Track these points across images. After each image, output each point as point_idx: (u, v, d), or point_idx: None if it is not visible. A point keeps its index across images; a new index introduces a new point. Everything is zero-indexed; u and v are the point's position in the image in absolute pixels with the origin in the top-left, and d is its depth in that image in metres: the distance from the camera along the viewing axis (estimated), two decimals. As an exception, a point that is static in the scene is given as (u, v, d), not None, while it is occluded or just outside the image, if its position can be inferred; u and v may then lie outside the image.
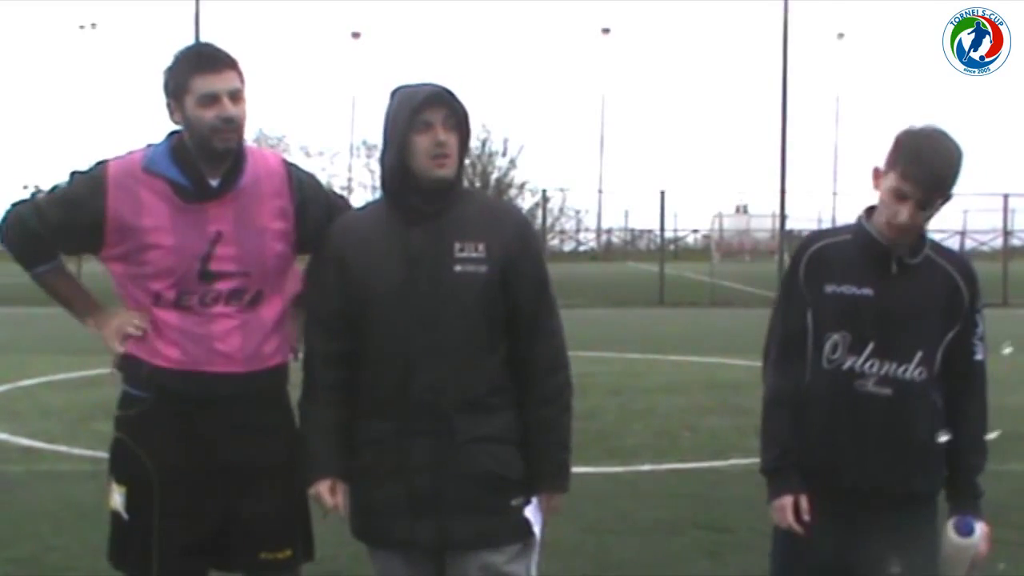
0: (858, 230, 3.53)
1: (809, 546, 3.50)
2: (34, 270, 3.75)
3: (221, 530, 3.63)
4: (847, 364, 3.45)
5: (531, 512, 3.53)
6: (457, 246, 3.45)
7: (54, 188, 3.66)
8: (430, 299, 3.44)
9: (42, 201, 3.66)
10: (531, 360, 3.53)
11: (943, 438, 3.50)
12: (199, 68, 3.53)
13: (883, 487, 3.47)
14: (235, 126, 3.54)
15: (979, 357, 3.53)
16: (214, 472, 3.59)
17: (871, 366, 3.44)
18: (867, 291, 3.46)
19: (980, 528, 3.46)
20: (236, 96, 3.54)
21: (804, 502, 3.49)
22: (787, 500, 3.51)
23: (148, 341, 3.60)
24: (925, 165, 3.36)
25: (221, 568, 3.72)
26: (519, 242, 3.51)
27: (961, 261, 3.58)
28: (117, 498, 3.65)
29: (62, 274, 3.79)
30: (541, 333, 3.53)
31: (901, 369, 3.44)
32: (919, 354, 3.44)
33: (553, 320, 3.58)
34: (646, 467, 8.69)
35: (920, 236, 3.49)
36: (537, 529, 3.53)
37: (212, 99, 3.51)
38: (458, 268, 3.44)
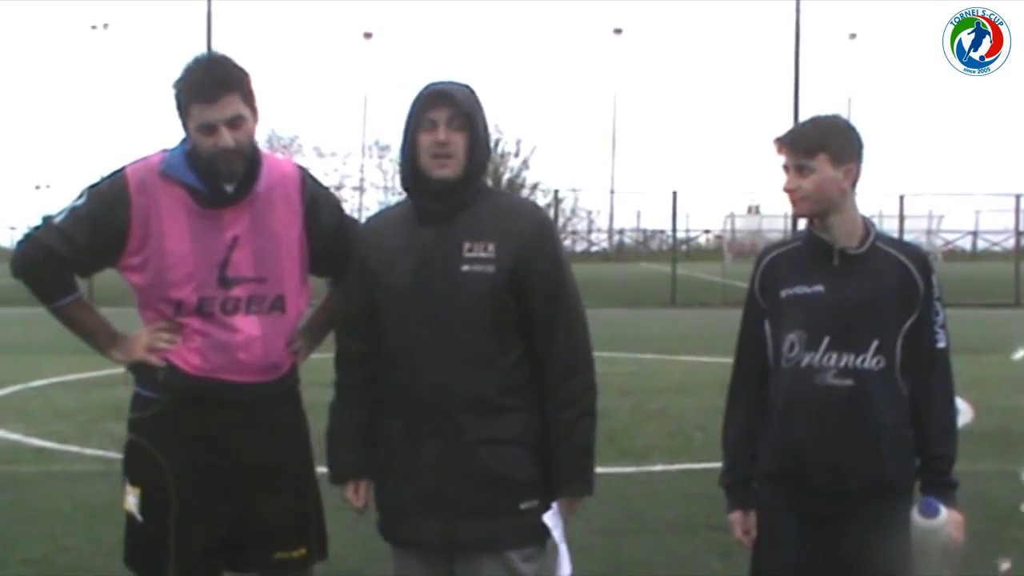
0: (805, 234, 3.61)
1: (783, 553, 3.54)
2: (58, 303, 3.63)
3: (235, 530, 3.63)
4: (805, 361, 3.48)
5: (549, 517, 3.47)
6: (467, 246, 3.43)
7: (70, 210, 3.57)
8: (437, 298, 3.43)
9: (65, 225, 3.54)
10: (549, 362, 3.49)
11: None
12: (196, 98, 3.46)
13: (855, 479, 3.45)
14: (234, 154, 3.50)
15: (941, 345, 3.53)
16: (229, 472, 3.59)
17: (829, 359, 3.46)
18: (819, 288, 3.50)
19: (947, 512, 3.38)
20: (236, 123, 3.48)
21: (752, 518, 3.60)
22: (736, 516, 3.63)
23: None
24: (787, 130, 3.54)
25: (235, 569, 3.72)
26: (533, 243, 3.46)
27: (913, 249, 3.61)
28: (132, 500, 3.65)
29: (85, 304, 3.70)
30: (559, 334, 3.48)
31: (859, 359, 3.45)
32: (875, 343, 3.45)
33: (572, 320, 3.51)
34: (658, 467, 8.69)
35: (865, 227, 3.53)
36: (557, 534, 3.47)
37: (210, 129, 3.46)
38: (466, 268, 3.42)
